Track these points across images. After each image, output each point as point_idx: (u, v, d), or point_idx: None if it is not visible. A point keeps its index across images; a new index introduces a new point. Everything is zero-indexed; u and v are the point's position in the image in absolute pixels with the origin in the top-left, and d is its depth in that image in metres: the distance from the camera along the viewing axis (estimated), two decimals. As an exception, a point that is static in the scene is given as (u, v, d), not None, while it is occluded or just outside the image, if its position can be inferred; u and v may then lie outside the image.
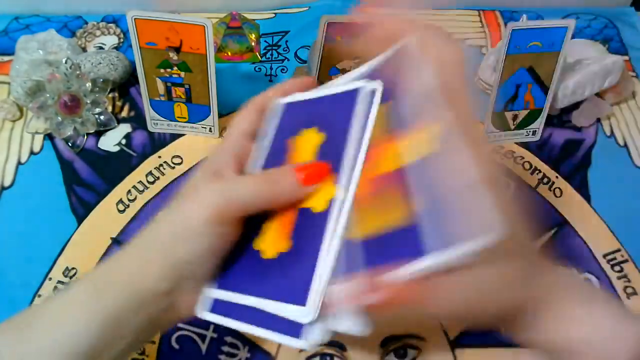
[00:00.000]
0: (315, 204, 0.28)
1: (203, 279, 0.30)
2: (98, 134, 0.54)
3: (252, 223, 0.30)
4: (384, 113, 0.29)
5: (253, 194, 0.28)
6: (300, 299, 0.26)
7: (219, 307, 0.30)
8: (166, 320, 0.31)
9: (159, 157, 0.53)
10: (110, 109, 0.56)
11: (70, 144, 0.53)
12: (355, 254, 0.26)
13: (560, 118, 0.58)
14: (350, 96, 0.30)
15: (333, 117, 0.31)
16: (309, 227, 0.28)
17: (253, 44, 0.60)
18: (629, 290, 0.47)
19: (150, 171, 0.52)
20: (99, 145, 0.54)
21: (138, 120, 0.55)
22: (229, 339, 0.44)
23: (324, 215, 0.27)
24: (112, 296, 0.28)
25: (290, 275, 0.27)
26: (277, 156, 0.32)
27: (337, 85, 0.32)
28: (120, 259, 0.30)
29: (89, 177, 0.52)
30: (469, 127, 0.26)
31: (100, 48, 0.61)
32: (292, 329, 0.26)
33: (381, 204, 0.27)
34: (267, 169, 0.31)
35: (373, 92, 0.29)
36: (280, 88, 0.35)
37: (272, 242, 0.29)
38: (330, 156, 0.29)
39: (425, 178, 0.25)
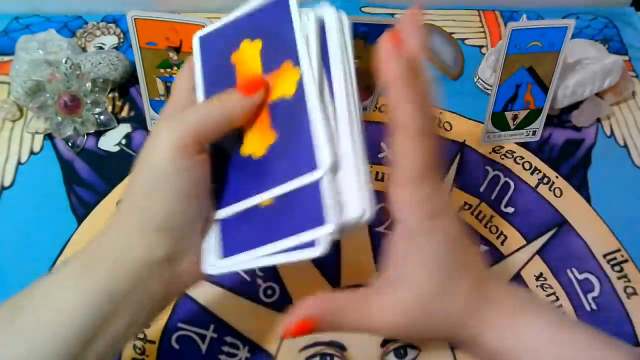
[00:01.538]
0: (285, 91, 0.29)
1: (195, 234, 0.29)
2: (98, 134, 0.54)
3: (231, 142, 0.31)
4: (259, 48, 0.31)
5: (204, 117, 0.28)
6: (309, 167, 0.26)
7: (227, 248, 0.29)
8: (171, 293, 0.30)
9: (159, 157, 0.53)
10: (110, 109, 0.56)
11: (70, 144, 0.53)
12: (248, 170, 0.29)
13: (560, 118, 0.58)
14: (273, 5, 0.31)
15: (258, 23, 0.32)
16: (287, 113, 0.29)
17: (253, 44, 0.60)
18: (629, 290, 0.47)
19: (150, 171, 0.52)
20: (99, 145, 0.54)
21: (138, 120, 0.55)
22: (229, 339, 0.44)
23: (298, 95, 0.28)
24: (103, 272, 0.27)
25: (291, 154, 0.28)
26: (225, 78, 0.32)
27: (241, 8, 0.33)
28: (107, 233, 0.29)
29: (89, 177, 0.52)
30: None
31: (100, 48, 0.61)
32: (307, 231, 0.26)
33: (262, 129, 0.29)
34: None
35: None
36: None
37: (257, 142, 0.30)
38: (279, 51, 0.30)
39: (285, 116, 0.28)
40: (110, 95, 0.56)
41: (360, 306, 0.27)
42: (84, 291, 0.27)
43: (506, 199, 0.52)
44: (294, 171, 0.27)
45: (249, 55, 0.32)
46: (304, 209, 0.26)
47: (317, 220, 0.25)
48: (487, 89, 0.58)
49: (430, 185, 0.26)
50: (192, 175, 0.28)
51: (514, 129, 0.55)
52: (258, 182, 0.29)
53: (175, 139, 0.27)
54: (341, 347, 0.43)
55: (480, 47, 0.64)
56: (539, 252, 0.49)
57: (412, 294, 0.27)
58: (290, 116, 0.28)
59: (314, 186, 0.26)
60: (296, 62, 0.29)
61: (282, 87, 0.29)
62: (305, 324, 0.27)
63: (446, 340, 0.29)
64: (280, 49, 0.30)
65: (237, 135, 0.31)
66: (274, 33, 0.31)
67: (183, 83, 0.33)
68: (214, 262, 0.30)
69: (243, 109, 0.29)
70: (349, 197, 0.26)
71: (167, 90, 0.52)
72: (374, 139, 0.54)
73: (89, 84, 0.52)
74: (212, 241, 0.30)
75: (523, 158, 0.55)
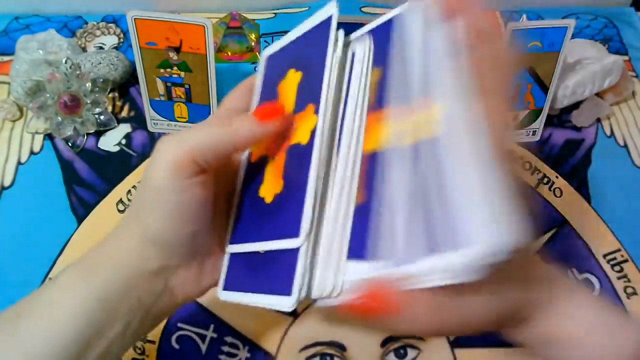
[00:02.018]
0: (301, 138, 0.28)
1: (188, 255, 0.29)
2: (98, 134, 0.54)
3: (255, 172, 0.30)
4: (375, 80, 0.27)
5: (206, 138, 0.27)
6: (293, 232, 0.25)
7: (227, 282, 0.30)
8: (162, 307, 0.29)
9: (159, 157, 0.53)
10: (110, 109, 0.56)
11: (70, 144, 0.53)
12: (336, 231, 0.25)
13: (560, 118, 0.58)
14: (319, 30, 0.29)
15: (306, 53, 0.30)
16: (296, 162, 0.27)
17: (253, 44, 0.60)
18: (629, 290, 0.47)
19: (150, 171, 0.52)
20: (99, 145, 0.54)
21: (138, 120, 0.55)
22: (229, 339, 0.44)
23: (308, 146, 0.27)
24: (100, 278, 0.27)
25: (285, 213, 0.27)
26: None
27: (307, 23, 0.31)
28: (105, 242, 0.29)
29: (89, 177, 0.52)
30: (495, 119, 0.21)
31: (100, 48, 0.61)
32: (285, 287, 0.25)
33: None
34: None
35: (329, 19, 0.28)
36: None
37: (269, 186, 0.29)
38: (309, 91, 0.28)
39: (416, 166, 0.22)
40: (110, 95, 0.56)
41: None
42: (82, 299, 0.27)
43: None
44: (280, 231, 0.26)
45: (289, 88, 0.30)
46: (280, 272, 0.26)
47: (286, 288, 0.25)
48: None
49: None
50: (188, 195, 0.26)
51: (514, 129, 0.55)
52: (261, 229, 0.28)
53: (173, 158, 0.26)
54: (341, 347, 0.43)
55: (480, 47, 0.64)
56: (538, 252, 0.49)
57: None
58: (298, 168, 0.27)
59: (294, 251, 0.25)
60: (317, 110, 0.27)
61: (301, 132, 0.28)
62: (274, 105, 0.27)
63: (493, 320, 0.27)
64: (310, 88, 0.29)
65: (262, 172, 0.30)
66: (311, 66, 0.29)
67: (232, 102, 0.32)
68: (219, 291, 0.31)
69: (252, 134, 0.28)
70: (320, 272, 0.24)
71: (167, 90, 0.52)
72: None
73: (89, 84, 0.52)
74: (223, 269, 0.31)
75: (523, 158, 0.55)
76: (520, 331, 0.27)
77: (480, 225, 0.18)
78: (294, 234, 0.25)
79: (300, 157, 0.27)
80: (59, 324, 0.27)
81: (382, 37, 0.27)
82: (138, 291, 0.28)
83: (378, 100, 0.26)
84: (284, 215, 0.26)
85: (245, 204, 0.30)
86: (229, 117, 0.29)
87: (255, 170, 0.30)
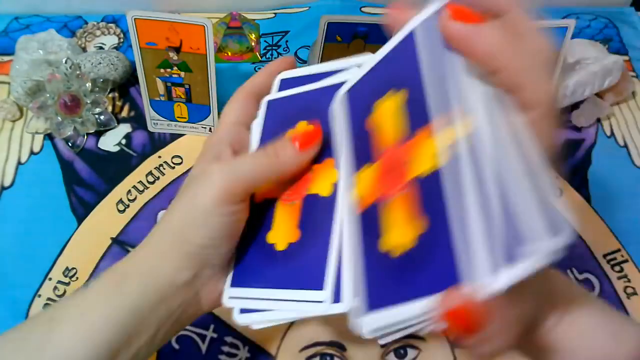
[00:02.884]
0: (321, 190, 0.28)
1: (221, 267, 0.30)
2: (98, 134, 0.54)
3: (261, 214, 0.30)
4: (398, 105, 0.25)
5: (257, 168, 0.29)
6: (317, 284, 0.26)
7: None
8: (188, 315, 0.31)
9: (159, 157, 0.53)
10: (110, 109, 0.56)
11: (70, 144, 0.53)
12: (385, 268, 0.23)
13: (560, 118, 0.58)
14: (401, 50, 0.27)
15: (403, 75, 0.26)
16: (316, 214, 0.28)
17: (253, 44, 0.60)
18: (629, 290, 0.47)
19: (150, 171, 0.52)
20: (99, 145, 0.54)
21: (138, 120, 0.55)
22: (229, 339, 0.44)
23: (331, 199, 0.27)
24: (132, 289, 0.28)
25: (302, 264, 0.27)
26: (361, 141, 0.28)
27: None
28: (139, 252, 0.30)
29: (89, 177, 0.52)
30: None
31: (100, 48, 0.61)
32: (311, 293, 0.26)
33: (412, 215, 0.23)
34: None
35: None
36: (266, 71, 0.35)
37: (282, 233, 0.29)
38: (326, 144, 0.29)
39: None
40: (110, 95, 0.56)
41: None
42: (115, 308, 0.28)
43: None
44: (300, 281, 0.27)
45: (388, 116, 0.27)
46: (306, 268, 0.27)
47: (317, 283, 0.26)
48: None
49: None
50: (233, 219, 0.29)
51: (514, 129, 0.55)
52: (273, 276, 0.28)
53: (226, 186, 0.28)
54: (341, 347, 0.43)
55: (480, 47, 0.64)
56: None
57: None
58: (317, 221, 0.28)
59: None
60: (337, 164, 0.28)
61: (322, 182, 0.29)
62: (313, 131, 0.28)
63: None
64: (329, 138, 0.29)
65: (269, 216, 0.30)
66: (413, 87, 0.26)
67: (231, 116, 0.33)
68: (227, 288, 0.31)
69: (297, 164, 0.29)
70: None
71: (167, 90, 0.52)
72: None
73: (89, 84, 0.52)
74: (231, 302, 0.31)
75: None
76: (527, 340, 0.26)
77: (543, 235, 0.19)
78: (318, 286, 0.26)
79: (321, 209, 0.28)
80: (92, 333, 0.27)
81: (399, 59, 0.27)
82: (169, 302, 0.29)
83: (412, 125, 0.24)
84: (303, 265, 0.27)
85: (251, 247, 0.30)
86: (273, 145, 0.29)
87: (261, 213, 0.30)
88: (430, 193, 0.22)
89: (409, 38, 0.25)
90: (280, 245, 0.29)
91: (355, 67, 0.31)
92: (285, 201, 0.30)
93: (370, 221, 0.25)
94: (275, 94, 0.33)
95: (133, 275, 0.29)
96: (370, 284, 0.24)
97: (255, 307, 0.28)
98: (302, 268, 0.27)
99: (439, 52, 0.23)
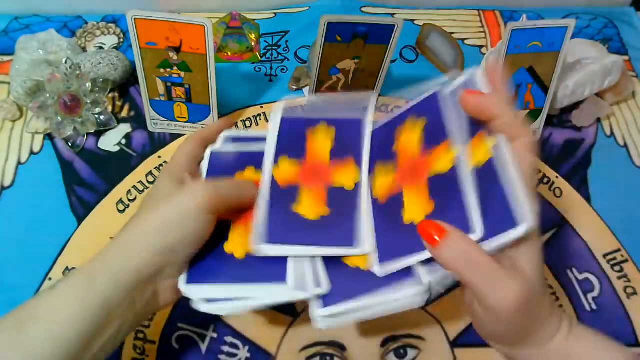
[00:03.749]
0: (345, 184, 0.38)
1: (180, 268, 0.35)
2: (98, 134, 0.54)
3: (284, 193, 0.37)
4: (418, 129, 0.37)
5: (231, 192, 0.36)
6: (350, 242, 0.35)
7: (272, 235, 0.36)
8: (147, 310, 0.35)
9: (159, 157, 0.53)
10: (110, 109, 0.56)
11: (70, 144, 0.53)
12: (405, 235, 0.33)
13: (560, 118, 0.58)
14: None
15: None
16: (343, 199, 0.37)
17: (253, 44, 0.60)
18: (629, 290, 0.47)
19: (150, 171, 0.52)
20: (99, 145, 0.54)
21: (138, 120, 0.55)
22: (229, 338, 0.44)
23: (354, 191, 0.37)
24: (102, 286, 0.31)
25: (335, 229, 0.35)
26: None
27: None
28: (112, 248, 0.33)
29: (89, 177, 0.52)
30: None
31: (100, 48, 0.61)
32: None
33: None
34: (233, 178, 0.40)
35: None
36: (212, 127, 0.45)
37: (311, 208, 0.36)
38: (345, 148, 0.39)
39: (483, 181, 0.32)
40: (110, 95, 0.56)
41: (491, 268, 0.29)
42: (86, 304, 0.31)
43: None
44: (336, 240, 0.35)
45: (249, 177, 0.40)
46: (343, 231, 0.36)
47: (350, 241, 0.35)
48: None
49: None
50: (205, 226, 0.34)
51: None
52: (312, 238, 0.35)
53: (209, 198, 0.34)
54: (341, 347, 0.43)
55: (480, 47, 0.64)
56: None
57: (528, 282, 0.29)
58: (344, 204, 0.37)
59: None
60: (359, 165, 0.39)
61: (346, 179, 0.38)
62: (436, 233, 0.31)
63: (509, 344, 0.34)
64: (348, 145, 0.40)
65: (294, 194, 0.37)
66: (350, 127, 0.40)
67: (185, 153, 0.41)
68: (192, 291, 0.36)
69: (252, 195, 0.37)
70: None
71: (167, 90, 0.52)
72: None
73: (89, 84, 0.52)
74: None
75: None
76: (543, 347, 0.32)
77: (527, 214, 0.29)
78: (350, 244, 0.34)
79: (347, 197, 0.37)
80: (63, 329, 0.30)
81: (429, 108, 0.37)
82: (134, 294, 0.32)
83: (427, 141, 0.36)
84: (336, 230, 0.35)
85: (210, 254, 0.36)
86: (238, 181, 0.39)
87: (286, 192, 0.37)
88: (439, 187, 0.33)
89: (433, 96, 0.37)
90: (311, 216, 0.36)
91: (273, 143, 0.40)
92: (239, 222, 0.37)
93: (288, 194, 0.37)
94: (218, 147, 0.42)
95: (102, 272, 0.32)
96: (274, 222, 0.35)
97: (218, 297, 0.34)
98: (336, 232, 0.35)
99: (455, 104, 0.35)
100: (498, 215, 0.30)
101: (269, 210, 0.36)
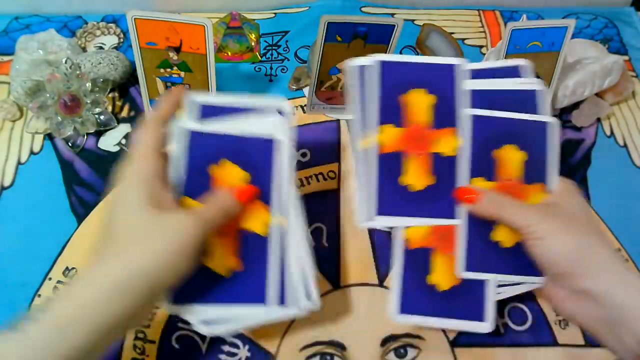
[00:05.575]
0: (257, 229, 0.37)
1: (163, 297, 0.35)
2: (98, 134, 0.54)
3: (390, 162, 0.39)
4: (429, 103, 0.40)
5: (215, 217, 0.35)
6: (260, 299, 0.37)
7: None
8: (121, 336, 0.35)
9: (159, 157, 0.53)
10: (110, 109, 0.56)
11: (70, 144, 0.53)
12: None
13: (560, 118, 0.58)
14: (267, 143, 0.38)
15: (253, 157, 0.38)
16: (255, 247, 0.37)
17: (253, 44, 0.60)
18: (629, 290, 0.47)
19: (150, 171, 0.52)
20: (99, 145, 0.54)
21: (138, 120, 0.55)
22: (229, 338, 0.44)
23: (266, 238, 0.37)
24: (75, 335, 0.28)
25: (442, 198, 0.39)
26: (201, 184, 0.37)
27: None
28: (87, 292, 0.30)
29: (89, 177, 0.52)
30: None
31: (100, 48, 0.61)
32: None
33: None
34: (207, 194, 0.37)
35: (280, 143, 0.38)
36: (167, 100, 0.39)
37: (417, 177, 0.39)
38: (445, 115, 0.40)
39: None
40: (110, 95, 0.56)
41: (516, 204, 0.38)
42: (59, 356, 0.28)
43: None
44: (440, 213, 0.39)
45: (228, 173, 0.38)
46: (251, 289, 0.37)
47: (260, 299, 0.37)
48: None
49: None
50: (195, 260, 0.33)
51: (514, 129, 0.55)
52: (420, 210, 0.39)
53: (200, 235, 0.33)
54: (341, 347, 0.43)
55: (480, 47, 0.64)
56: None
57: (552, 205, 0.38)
58: (256, 253, 0.37)
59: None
60: (271, 209, 0.38)
61: (256, 222, 0.37)
62: (474, 194, 0.38)
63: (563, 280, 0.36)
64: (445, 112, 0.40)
65: (398, 164, 0.39)
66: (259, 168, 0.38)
67: (146, 145, 0.36)
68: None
69: (235, 211, 0.37)
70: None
71: (167, 90, 0.52)
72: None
73: (89, 84, 0.52)
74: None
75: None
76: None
77: None
78: (260, 300, 0.37)
79: (258, 244, 0.37)
80: None
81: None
82: (105, 342, 0.31)
83: (437, 122, 0.40)
84: (442, 201, 0.39)
85: (388, 188, 0.39)
86: (216, 197, 0.36)
87: (392, 161, 0.39)
88: (443, 166, 0.39)
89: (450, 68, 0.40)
90: (419, 186, 0.39)
91: (275, 111, 0.38)
92: (418, 155, 0.39)
93: (393, 162, 0.39)
94: (196, 124, 0.38)
95: (77, 318, 0.29)
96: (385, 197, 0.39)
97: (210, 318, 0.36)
98: (442, 202, 0.39)
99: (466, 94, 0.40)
100: None
101: (378, 183, 0.38)
